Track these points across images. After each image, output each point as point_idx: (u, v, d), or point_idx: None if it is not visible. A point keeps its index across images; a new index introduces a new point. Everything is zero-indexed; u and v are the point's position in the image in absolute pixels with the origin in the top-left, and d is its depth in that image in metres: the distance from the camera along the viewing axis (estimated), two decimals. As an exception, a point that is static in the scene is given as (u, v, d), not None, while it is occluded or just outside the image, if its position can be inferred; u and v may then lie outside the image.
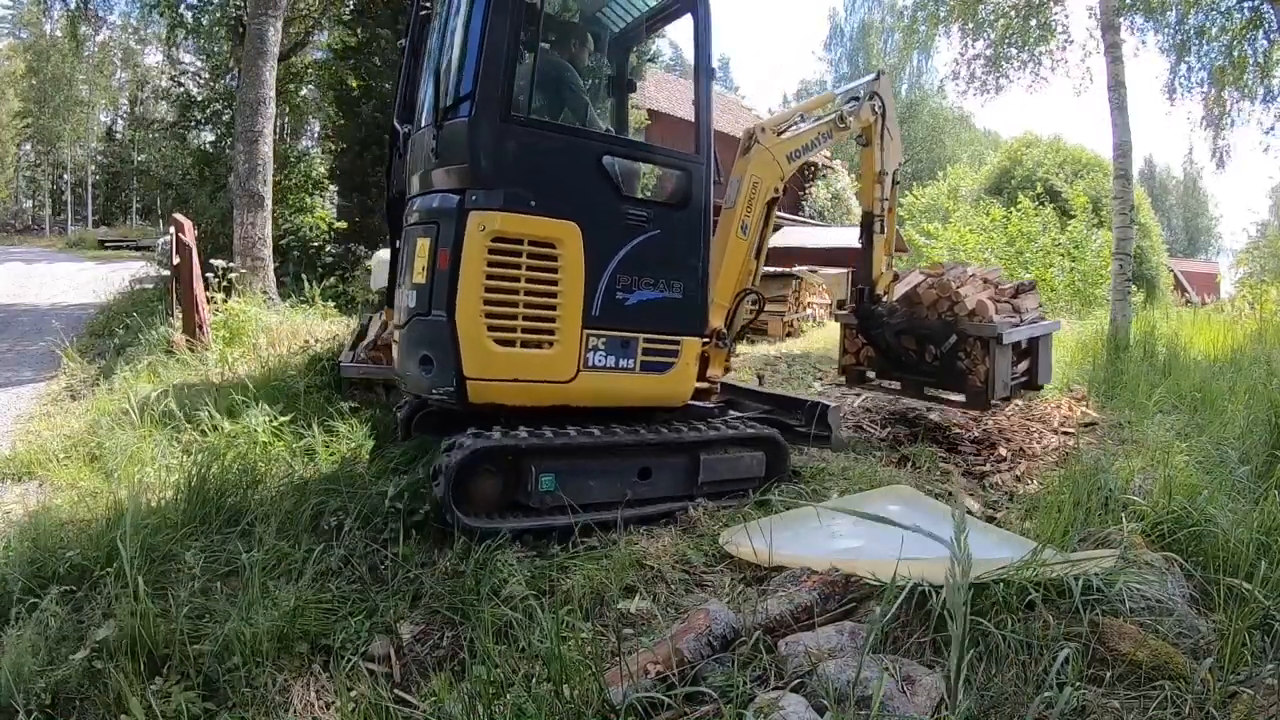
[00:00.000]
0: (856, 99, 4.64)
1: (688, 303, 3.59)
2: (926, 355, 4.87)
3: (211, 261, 7.00)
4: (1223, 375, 5.74)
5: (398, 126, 3.88)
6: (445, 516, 2.98)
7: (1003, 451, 4.73)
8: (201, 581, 2.65)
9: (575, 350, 3.30)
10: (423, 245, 3.29)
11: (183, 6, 13.46)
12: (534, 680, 2.02)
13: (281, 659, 2.33)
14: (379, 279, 5.36)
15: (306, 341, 6.04)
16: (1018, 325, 4.85)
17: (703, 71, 3.67)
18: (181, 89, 13.88)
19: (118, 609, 2.39)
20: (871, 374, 5.36)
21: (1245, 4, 11.26)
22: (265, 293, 8.00)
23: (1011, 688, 1.82)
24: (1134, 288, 9.77)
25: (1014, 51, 12.00)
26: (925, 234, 18.56)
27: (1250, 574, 2.28)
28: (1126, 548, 2.38)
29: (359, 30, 12.54)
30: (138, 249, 19.43)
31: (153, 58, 32.68)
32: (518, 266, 3.16)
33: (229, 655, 2.28)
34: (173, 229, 6.36)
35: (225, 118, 12.87)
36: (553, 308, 3.23)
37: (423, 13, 3.92)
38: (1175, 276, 25.98)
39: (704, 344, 3.77)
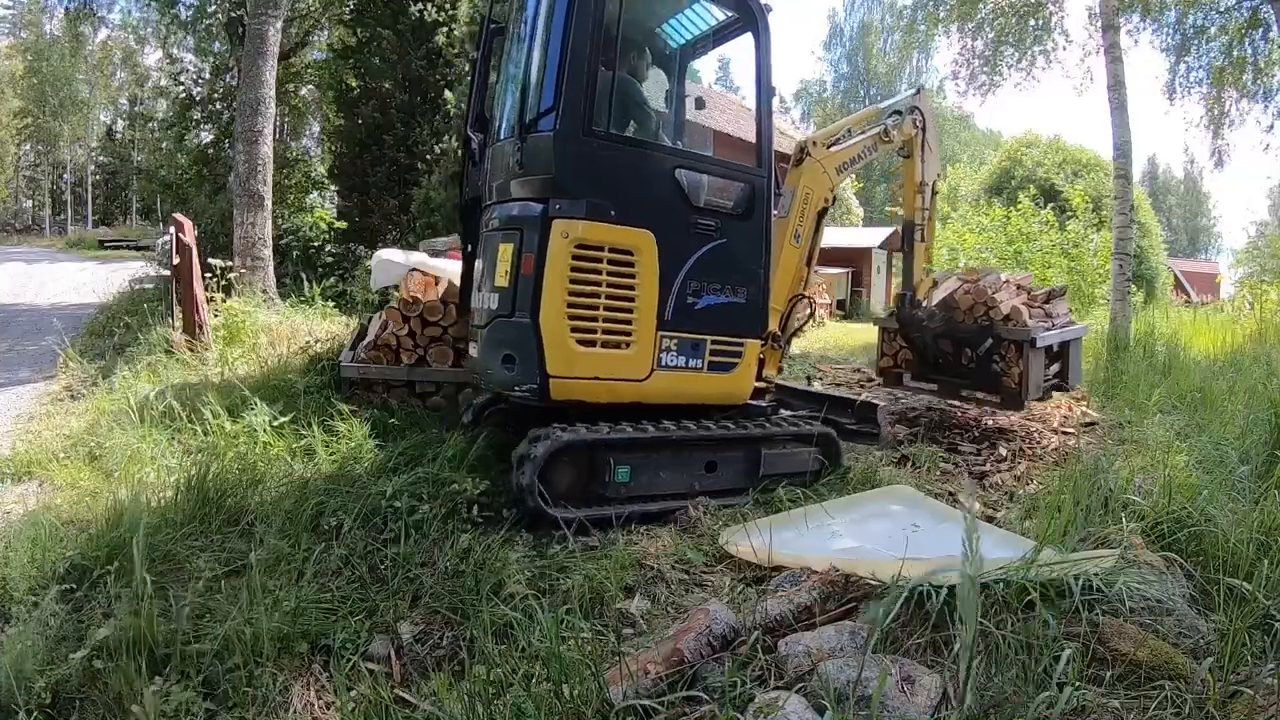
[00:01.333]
0: (899, 113, 4.86)
1: (750, 307, 3.82)
2: (963, 358, 5.10)
3: (211, 261, 6.99)
4: (1223, 375, 5.74)
5: (471, 135, 4.07)
6: (528, 502, 3.15)
7: (1003, 451, 4.74)
8: (203, 581, 2.64)
9: (650, 351, 3.52)
10: (505, 250, 3.47)
11: (180, 6, 13.46)
12: (534, 680, 2.02)
13: (282, 659, 2.32)
14: (379, 279, 5.36)
15: (306, 341, 6.03)
16: (1050, 329, 5.09)
17: (763, 89, 3.88)
18: (181, 87, 13.85)
19: (118, 608, 2.39)
20: (908, 376, 5.58)
21: (1244, 3, 11.26)
22: (265, 293, 7.99)
23: (1011, 688, 1.82)
24: (1133, 287, 9.78)
25: (1011, 51, 12.00)
26: None
27: (1250, 574, 2.28)
28: (1126, 548, 2.38)
29: (359, 30, 12.55)
30: (137, 249, 19.41)
31: (153, 57, 32.69)
32: (599, 272, 3.36)
33: (229, 655, 2.28)
34: (172, 229, 6.34)
35: (225, 118, 12.85)
36: (630, 311, 3.45)
37: (493, 26, 4.11)
38: (1175, 276, 25.98)
39: (761, 346, 3.94)
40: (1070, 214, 16.44)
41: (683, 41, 4.60)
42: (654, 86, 4.42)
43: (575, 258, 3.29)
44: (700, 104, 4.90)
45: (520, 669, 2.11)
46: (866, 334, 9.24)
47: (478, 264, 3.96)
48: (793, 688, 1.89)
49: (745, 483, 3.65)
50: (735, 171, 3.80)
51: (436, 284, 4.80)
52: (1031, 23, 11.68)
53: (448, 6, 11.12)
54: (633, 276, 3.43)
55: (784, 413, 4.14)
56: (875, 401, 4.50)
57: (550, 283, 3.25)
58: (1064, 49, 11.66)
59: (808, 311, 4.42)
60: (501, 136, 3.85)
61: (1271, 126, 12.15)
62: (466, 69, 10.53)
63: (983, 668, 1.88)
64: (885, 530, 3.13)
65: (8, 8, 31.72)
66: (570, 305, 3.29)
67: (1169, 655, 1.92)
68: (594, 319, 3.36)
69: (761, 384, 4.09)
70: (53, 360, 6.30)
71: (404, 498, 3.18)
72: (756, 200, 3.78)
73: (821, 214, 4.37)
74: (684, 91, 4.69)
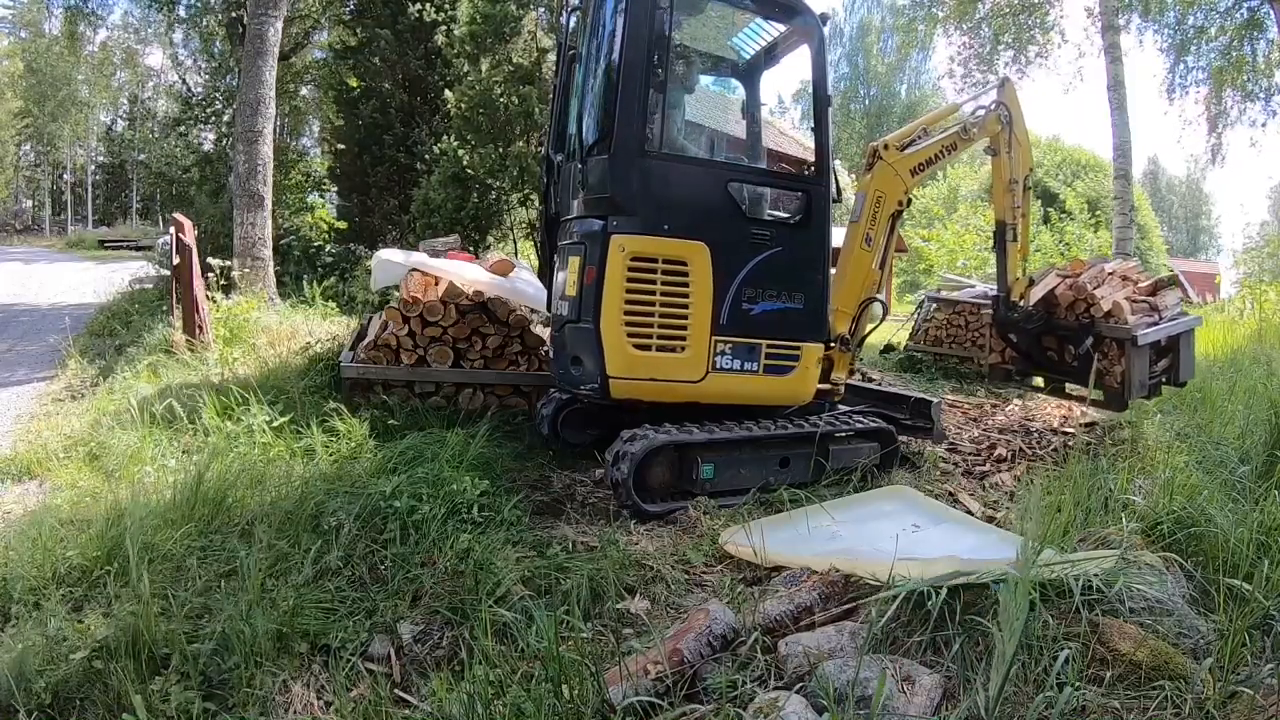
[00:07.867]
0: (983, 108, 4.71)
1: (808, 312, 3.97)
2: (1066, 355, 4.98)
3: (211, 261, 6.99)
4: (1223, 375, 5.74)
5: (552, 155, 4.29)
6: (624, 496, 3.44)
7: (1002, 451, 4.74)
8: (202, 581, 2.64)
9: (705, 354, 3.73)
10: (574, 263, 3.79)
11: (180, 6, 13.46)
12: (533, 680, 2.02)
13: (281, 659, 2.32)
14: (379, 279, 5.36)
15: (307, 342, 6.03)
16: (1156, 324, 4.86)
17: (821, 99, 4.01)
18: (185, 85, 13.86)
19: (118, 608, 2.38)
20: (1016, 373, 5.57)
21: (1244, 4, 11.27)
22: (265, 292, 7.99)
23: (1011, 688, 1.82)
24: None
25: (1008, 51, 12.01)
26: (924, 238, 18.56)
27: (1250, 574, 2.28)
28: (1126, 548, 2.38)
29: (359, 30, 12.55)
30: (138, 249, 19.41)
31: (154, 57, 32.71)
32: (653, 282, 3.61)
33: (229, 655, 2.28)
34: (172, 229, 6.34)
35: (225, 117, 12.85)
36: (684, 317, 3.67)
37: (570, 53, 4.29)
38: (1175, 276, 25.97)
39: (828, 348, 4.13)
40: (1065, 212, 16.43)
41: (739, 57, 4.70)
42: (709, 102, 4.60)
43: (630, 269, 3.55)
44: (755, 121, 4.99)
45: (520, 669, 2.11)
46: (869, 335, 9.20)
47: (558, 275, 4.18)
48: (792, 688, 1.90)
49: (815, 476, 3.78)
50: (792, 182, 3.99)
51: (436, 284, 4.80)
52: (1027, 19, 11.69)
53: (447, 6, 11.11)
54: (686, 285, 3.64)
55: (840, 409, 4.31)
56: (930, 398, 4.59)
57: (609, 292, 3.54)
58: (1059, 47, 11.69)
59: (880, 314, 4.49)
60: (572, 158, 4.08)
61: (1265, 125, 12.19)
62: (466, 69, 10.52)
63: (983, 667, 1.88)
64: (885, 530, 3.12)
65: (8, 7, 31.72)
66: (626, 312, 3.56)
67: (1169, 655, 1.92)
68: (649, 325, 3.61)
69: (827, 386, 4.23)
70: (53, 360, 6.30)
71: (404, 498, 3.18)
72: (814, 209, 3.91)
73: (895, 217, 4.39)
74: (752, 106, 4.79)
